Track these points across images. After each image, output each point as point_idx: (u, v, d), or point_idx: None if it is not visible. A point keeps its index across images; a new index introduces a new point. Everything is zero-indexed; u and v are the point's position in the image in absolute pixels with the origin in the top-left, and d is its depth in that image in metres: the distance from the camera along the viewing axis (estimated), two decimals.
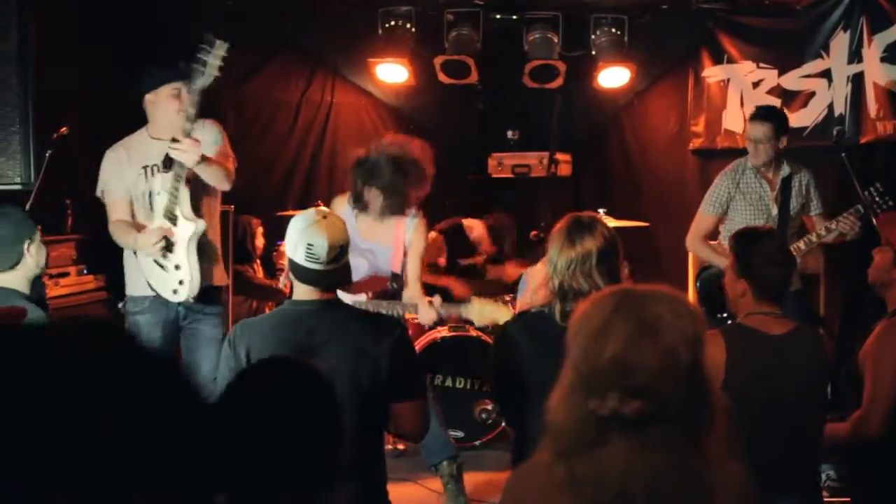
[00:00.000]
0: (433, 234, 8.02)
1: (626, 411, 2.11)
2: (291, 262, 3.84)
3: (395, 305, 5.70)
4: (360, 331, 3.76)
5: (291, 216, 7.76)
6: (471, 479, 6.29)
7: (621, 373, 2.12)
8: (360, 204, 5.72)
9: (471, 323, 6.27)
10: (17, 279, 4.45)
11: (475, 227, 8.34)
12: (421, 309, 5.63)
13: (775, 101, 8.40)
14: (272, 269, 8.24)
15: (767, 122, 6.47)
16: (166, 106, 5.73)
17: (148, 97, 5.78)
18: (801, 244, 6.44)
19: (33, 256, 4.48)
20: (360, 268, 5.77)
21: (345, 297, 5.91)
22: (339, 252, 3.77)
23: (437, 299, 5.67)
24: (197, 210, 5.69)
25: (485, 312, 5.71)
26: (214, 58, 5.43)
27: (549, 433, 2.25)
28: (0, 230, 4.46)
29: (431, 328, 7.20)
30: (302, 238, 3.78)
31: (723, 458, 2.23)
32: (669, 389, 2.13)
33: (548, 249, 3.93)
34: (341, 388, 3.57)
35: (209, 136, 5.84)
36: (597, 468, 2.14)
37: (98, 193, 5.82)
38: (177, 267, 5.70)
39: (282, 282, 5.34)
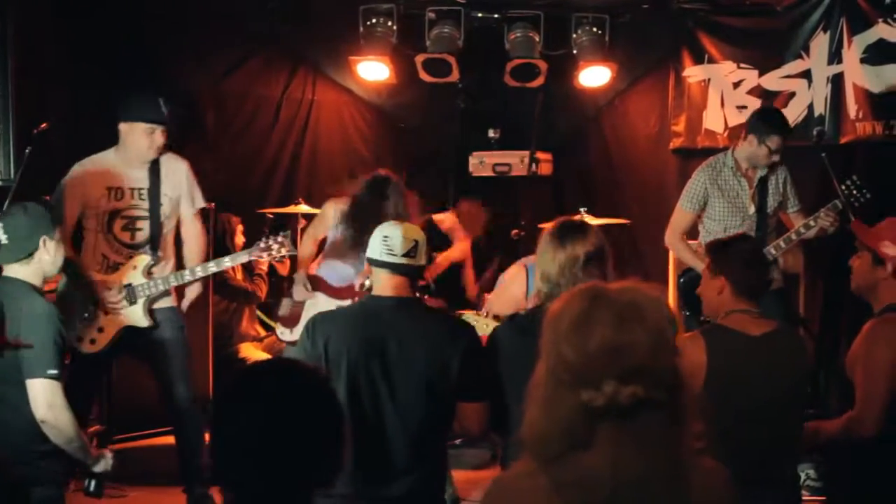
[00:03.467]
0: None
1: (621, 397, 2.10)
2: (370, 260, 3.98)
3: None
4: (436, 329, 3.90)
5: (271, 213, 7.85)
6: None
7: (615, 357, 2.11)
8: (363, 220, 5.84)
9: None
10: (32, 273, 4.49)
11: (445, 220, 8.32)
12: None
13: (755, 102, 8.43)
14: (251, 272, 8.21)
15: (789, 135, 6.58)
16: (138, 140, 5.84)
17: (122, 126, 5.87)
18: (782, 242, 6.46)
19: (49, 254, 4.52)
20: (346, 273, 5.88)
21: (329, 301, 5.97)
22: (414, 247, 3.90)
23: None
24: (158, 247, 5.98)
25: (478, 324, 5.82)
26: (277, 252, 5.94)
27: (531, 441, 2.23)
28: (17, 221, 4.52)
29: None
30: (379, 233, 3.95)
31: (700, 454, 2.25)
32: (662, 369, 2.13)
33: (537, 251, 3.96)
34: (415, 382, 3.75)
35: (176, 179, 6.05)
36: (583, 470, 2.12)
37: (51, 200, 5.91)
38: (99, 329, 5.89)
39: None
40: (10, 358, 4.27)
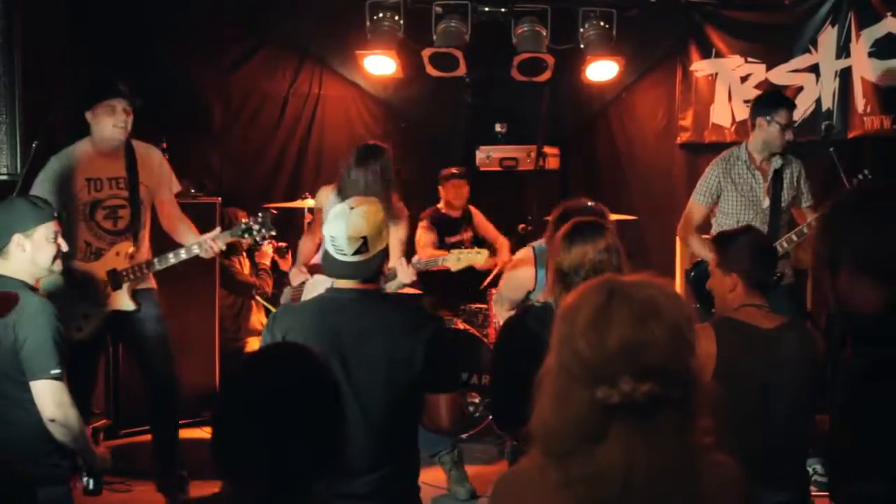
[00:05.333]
0: (423, 222, 8.08)
1: (637, 395, 2.07)
2: (324, 252, 3.88)
3: None
4: (398, 321, 3.76)
5: (278, 208, 7.86)
6: None
7: (633, 354, 2.09)
8: (343, 191, 5.91)
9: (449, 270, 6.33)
10: (18, 270, 4.44)
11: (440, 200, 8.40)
12: (399, 270, 5.86)
13: None
14: (257, 267, 8.24)
15: (794, 108, 6.60)
16: (103, 122, 5.89)
17: (87, 115, 5.92)
18: (794, 236, 6.43)
19: (25, 250, 4.44)
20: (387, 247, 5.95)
21: (328, 279, 5.99)
22: (363, 243, 3.74)
23: (415, 257, 5.92)
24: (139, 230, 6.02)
25: (462, 257, 5.86)
26: (258, 234, 5.93)
27: (541, 436, 2.20)
28: None
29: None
30: (327, 229, 3.81)
31: (711, 449, 2.22)
32: (679, 368, 2.11)
33: (550, 251, 3.96)
34: (377, 376, 3.63)
35: (151, 167, 6.12)
36: (594, 466, 2.10)
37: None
38: (84, 316, 5.89)
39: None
40: (12, 358, 4.24)
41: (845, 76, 8.23)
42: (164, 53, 8.19)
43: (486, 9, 8.62)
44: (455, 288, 8.00)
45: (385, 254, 3.90)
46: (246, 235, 5.91)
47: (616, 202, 8.52)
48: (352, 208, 3.78)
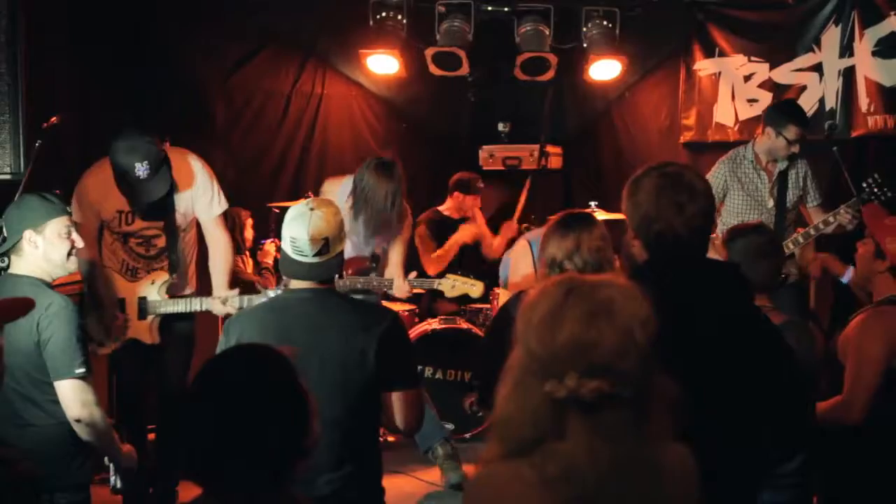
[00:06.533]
0: (420, 228, 8.05)
1: (583, 392, 2.12)
2: (282, 253, 3.83)
3: (370, 280, 6.13)
4: (351, 319, 3.70)
5: (281, 207, 7.87)
6: None
7: (579, 352, 2.14)
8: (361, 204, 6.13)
9: (443, 294, 6.41)
10: (34, 268, 4.38)
11: (447, 201, 8.39)
12: (396, 282, 6.07)
13: (766, 95, 8.42)
14: (260, 266, 8.25)
15: (806, 126, 6.56)
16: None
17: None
18: (800, 237, 6.44)
19: (37, 248, 4.35)
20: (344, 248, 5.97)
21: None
22: (325, 244, 3.72)
23: (412, 274, 5.99)
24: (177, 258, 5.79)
25: (457, 286, 5.94)
26: None
27: (500, 428, 2.25)
28: (9, 213, 4.42)
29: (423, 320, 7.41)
30: (287, 230, 3.77)
31: (668, 440, 2.26)
32: (626, 369, 2.15)
33: (542, 241, 4.01)
34: (330, 375, 3.57)
35: (189, 187, 5.74)
36: (565, 463, 2.14)
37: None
38: (99, 343, 5.69)
39: None
40: (36, 358, 4.19)
41: (849, 75, 8.23)
42: (166, 53, 8.19)
43: (489, 8, 8.62)
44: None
45: (342, 255, 3.88)
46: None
47: (619, 201, 8.48)
48: (312, 209, 3.77)
